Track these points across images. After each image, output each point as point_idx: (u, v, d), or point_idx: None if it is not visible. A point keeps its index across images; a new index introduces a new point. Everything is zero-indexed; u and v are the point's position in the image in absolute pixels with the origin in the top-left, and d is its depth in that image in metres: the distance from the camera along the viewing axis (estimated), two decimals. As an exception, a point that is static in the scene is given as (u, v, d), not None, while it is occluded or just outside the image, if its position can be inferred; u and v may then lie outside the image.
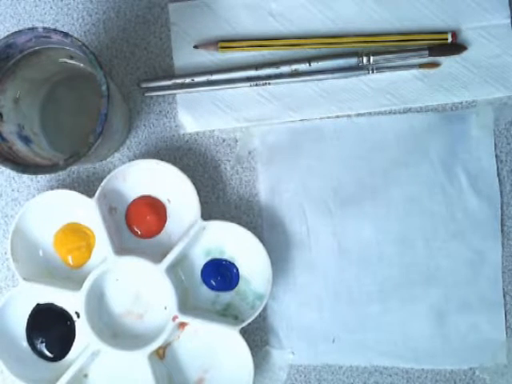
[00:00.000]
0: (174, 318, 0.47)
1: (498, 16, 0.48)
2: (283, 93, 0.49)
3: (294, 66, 0.49)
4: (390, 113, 0.49)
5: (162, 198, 0.49)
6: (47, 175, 0.50)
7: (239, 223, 0.48)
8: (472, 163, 0.49)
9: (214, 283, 0.48)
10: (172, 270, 0.48)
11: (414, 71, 0.49)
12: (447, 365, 0.49)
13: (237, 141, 0.50)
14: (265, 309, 0.49)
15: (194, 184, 0.47)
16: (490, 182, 0.49)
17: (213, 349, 0.48)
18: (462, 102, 0.49)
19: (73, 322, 0.48)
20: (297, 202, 0.49)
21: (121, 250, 0.48)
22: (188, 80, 0.49)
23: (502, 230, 0.49)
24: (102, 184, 0.47)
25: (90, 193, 0.48)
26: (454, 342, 0.49)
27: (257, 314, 0.47)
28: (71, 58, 0.44)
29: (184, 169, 0.48)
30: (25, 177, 0.50)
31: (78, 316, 0.48)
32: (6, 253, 0.50)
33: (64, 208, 0.48)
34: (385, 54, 0.48)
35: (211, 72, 0.49)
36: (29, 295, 0.48)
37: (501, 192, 0.49)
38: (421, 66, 0.49)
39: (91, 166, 0.50)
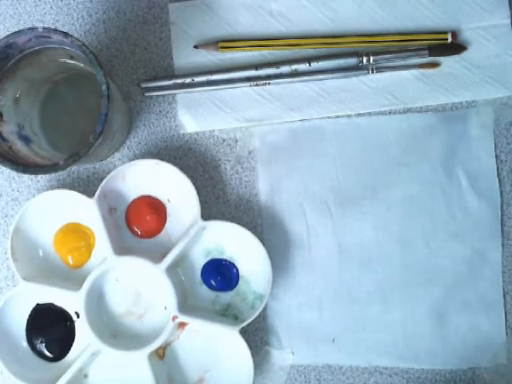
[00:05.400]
0: (174, 318, 0.47)
1: (498, 16, 0.48)
2: (283, 93, 0.49)
3: (294, 66, 0.49)
4: (390, 113, 0.49)
5: (162, 197, 0.49)
6: (47, 175, 0.50)
7: (239, 223, 0.48)
8: (472, 163, 0.49)
9: (213, 283, 0.48)
10: (172, 270, 0.47)
11: (414, 71, 0.49)
12: (447, 365, 0.49)
13: (237, 141, 0.50)
14: (265, 309, 0.49)
15: (194, 184, 0.47)
16: (490, 182, 0.49)
17: (213, 349, 0.48)
18: (462, 102, 0.49)
19: (73, 322, 0.48)
20: (297, 202, 0.49)
21: (121, 250, 0.48)
22: (188, 80, 0.49)
23: (502, 230, 0.49)
24: (102, 184, 0.47)
25: (89, 193, 0.48)
26: (454, 342, 0.49)
27: (257, 314, 0.47)
28: (71, 57, 0.44)
29: (184, 169, 0.48)
30: (25, 177, 0.50)
31: (78, 316, 0.48)
32: (6, 253, 0.50)
33: (64, 208, 0.48)
34: (385, 53, 0.48)
35: (211, 72, 0.49)
36: (29, 295, 0.48)
37: (501, 192, 0.49)
38: (421, 66, 0.49)
39: (91, 165, 0.50)
